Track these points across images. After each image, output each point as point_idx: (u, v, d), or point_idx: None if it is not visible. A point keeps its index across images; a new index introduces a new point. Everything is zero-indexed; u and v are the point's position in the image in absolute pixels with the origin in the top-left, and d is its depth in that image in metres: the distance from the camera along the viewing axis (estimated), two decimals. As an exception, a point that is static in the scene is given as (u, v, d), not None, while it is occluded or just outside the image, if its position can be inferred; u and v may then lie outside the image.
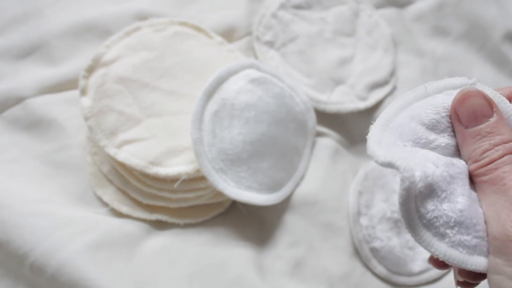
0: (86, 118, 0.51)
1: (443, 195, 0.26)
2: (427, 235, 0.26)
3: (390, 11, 0.70)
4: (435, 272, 0.55)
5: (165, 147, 0.51)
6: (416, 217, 0.26)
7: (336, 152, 0.60)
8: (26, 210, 0.48)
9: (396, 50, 0.67)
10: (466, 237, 0.26)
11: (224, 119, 0.50)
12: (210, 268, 0.51)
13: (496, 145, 0.26)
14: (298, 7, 0.64)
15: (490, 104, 0.27)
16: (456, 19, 0.70)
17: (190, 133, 0.49)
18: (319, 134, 0.60)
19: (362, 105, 0.62)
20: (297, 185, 0.57)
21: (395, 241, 0.55)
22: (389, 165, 0.26)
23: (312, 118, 0.59)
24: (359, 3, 0.67)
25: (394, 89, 0.65)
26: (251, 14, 0.64)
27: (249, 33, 0.63)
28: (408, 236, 0.55)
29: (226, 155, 0.50)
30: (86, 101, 0.51)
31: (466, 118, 0.27)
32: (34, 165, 0.54)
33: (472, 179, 0.27)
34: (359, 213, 0.56)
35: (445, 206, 0.26)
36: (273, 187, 0.53)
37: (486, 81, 0.68)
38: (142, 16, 0.61)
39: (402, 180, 0.25)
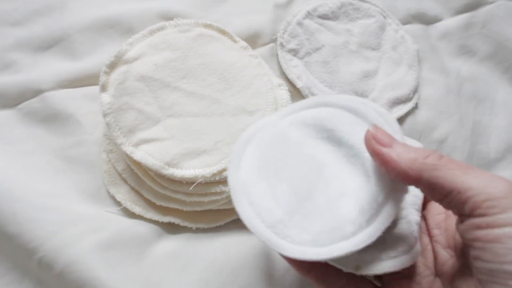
0: (105, 115, 0.50)
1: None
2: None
3: (417, 27, 0.70)
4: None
5: (182, 148, 0.50)
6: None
7: None
8: (38, 204, 0.47)
9: (420, 67, 0.67)
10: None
11: None
12: (220, 275, 0.50)
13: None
14: (324, 17, 0.64)
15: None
16: (482, 39, 0.70)
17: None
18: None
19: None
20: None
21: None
22: None
23: None
24: (386, 17, 0.67)
25: (415, 107, 0.64)
26: (276, 20, 0.64)
27: (273, 41, 0.63)
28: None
29: None
30: (106, 97, 0.50)
31: (387, 139, 0.34)
32: (48, 159, 0.53)
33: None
34: None
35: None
36: None
37: (510, 103, 0.67)
38: (167, 16, 0.61)
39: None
